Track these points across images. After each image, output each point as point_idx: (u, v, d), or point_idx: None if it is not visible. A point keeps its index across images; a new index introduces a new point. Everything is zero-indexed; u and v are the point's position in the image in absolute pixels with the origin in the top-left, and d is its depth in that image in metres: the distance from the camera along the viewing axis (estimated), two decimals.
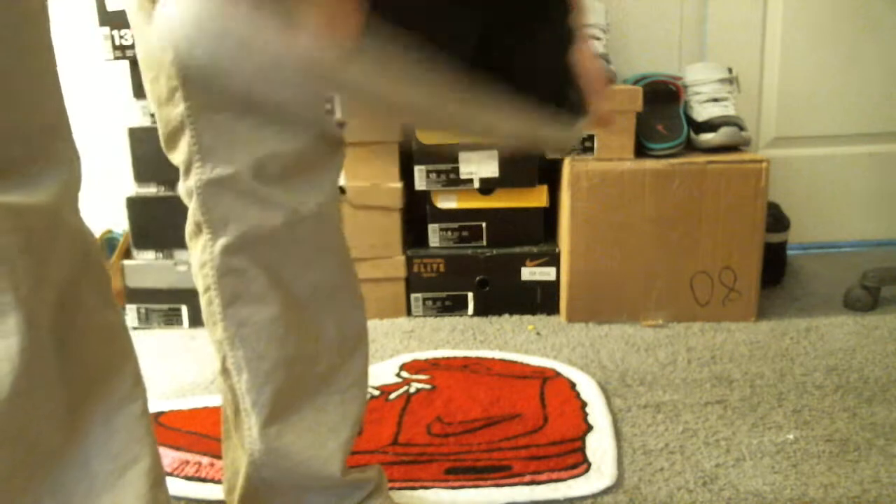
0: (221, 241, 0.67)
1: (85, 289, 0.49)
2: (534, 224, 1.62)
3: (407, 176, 1.61)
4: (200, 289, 0.71)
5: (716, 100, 1.61)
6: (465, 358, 1.39)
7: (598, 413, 1.14)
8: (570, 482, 0.97)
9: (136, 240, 1.63)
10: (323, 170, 0.70)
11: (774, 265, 1.68)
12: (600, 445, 1.05)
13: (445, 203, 1.61)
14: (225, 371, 0.72)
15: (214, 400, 1.24)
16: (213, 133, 0.65)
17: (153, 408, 1.18)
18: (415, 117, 0.30)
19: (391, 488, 0.91)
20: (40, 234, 0.45)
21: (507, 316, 1.61)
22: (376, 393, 1.25)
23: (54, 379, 0.46)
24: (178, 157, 0.68)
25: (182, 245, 1.65)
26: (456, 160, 1.58)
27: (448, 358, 1.39)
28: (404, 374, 1.32)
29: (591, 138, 1.52)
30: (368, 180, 1.58)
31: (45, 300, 0.45)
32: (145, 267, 1.62)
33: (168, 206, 1.59)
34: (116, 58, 1.54)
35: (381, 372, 1.33)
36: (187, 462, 1.06)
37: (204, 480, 1.01)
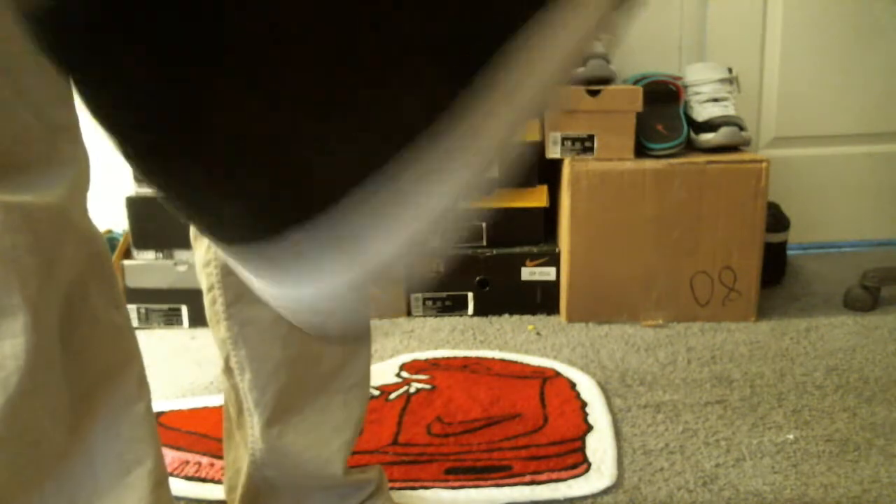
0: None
1: (92, 289, 0.49)
2: (534, 224, 1.62)
3: None
4: (204, 287, 0.71)
5: (716, 100, 1.61)
6: (465, 358, 1.39)
7: (598, 413, 1.14)
8: (570, 482, 0.97)
9: (136, 240, 1.63)
10: None
11: (774, 265, 1.68)
12: (600, 445, 1.05)
13: None
14: (228, 370, 0.72)
15: (214, 400, 1.24)
16: None
17: (153, 408, 1.18)
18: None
19: (391, 488, 0.91)
20: (49, 235, 0.45)
21: (507, 316, 1.61)
22: (376, 393, 1.25)
23: (60, 379, 0.46)
24: None
25: (182, 245, 1.66)
26: None
27: (448, 358, 1.39)
28: (404, 374, 1.32)
29: (591, 138, 1.52)
30: None
31: (52, 301, 0.45)
32: (145, 267, 1.62)
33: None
34: None
35: (381, 372, 1.33)
36: (187, 462, 1.06)
37: (204, 480, 1.01)
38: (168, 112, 0.22)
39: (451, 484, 0.98)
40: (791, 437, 1.07)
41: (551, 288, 1.61)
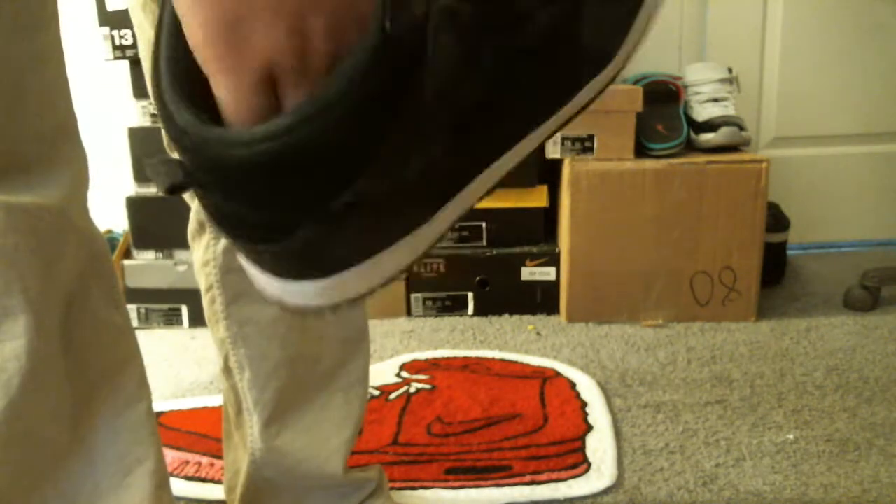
0: (225, 240, 0.67)
1: (92, 290, 0.49)
2: (534, 224, 1.62)
3: None
4: (203, 287, 0.71)
5: (716, 100, 1.61)
6: (465, 358, 1.39)
7: (598, 413, 1.14)
8: (570, 482, 0.97)
9: (136, 240, 1.63)
10: None
11: (774, 265, 1.68)
12: (600, 445, 1.05)
13: None
14: (227, 370, 0.72)
15: (214, 400, 1.24)
16: None
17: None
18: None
19: (391, 488, 0.91)
20: (50, 236, 0.45)
21: (507, 316, 1.61)
22: (376, 393, 1.25)
23: (61, 380, 0.46)
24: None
25: (182, 245, 1.65)
26: None
27: (448, 358, 1.39)
28: (404, 374, 1.32)
29: (590, 138, 1.52)
30: None
31: (53, 301, 0.45)
32: (145, 267, 1.62)
33: (168, 206, 1.59)
34: (116, 58, 1.54)
35: (381, 372, 1.33)
36: (187, 462, 1.06)
37: (204, 480, 1.01)
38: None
39: (451, 484, 0.98)
40: (791, 437, 1.07)
41: (551, 288, 1.61)
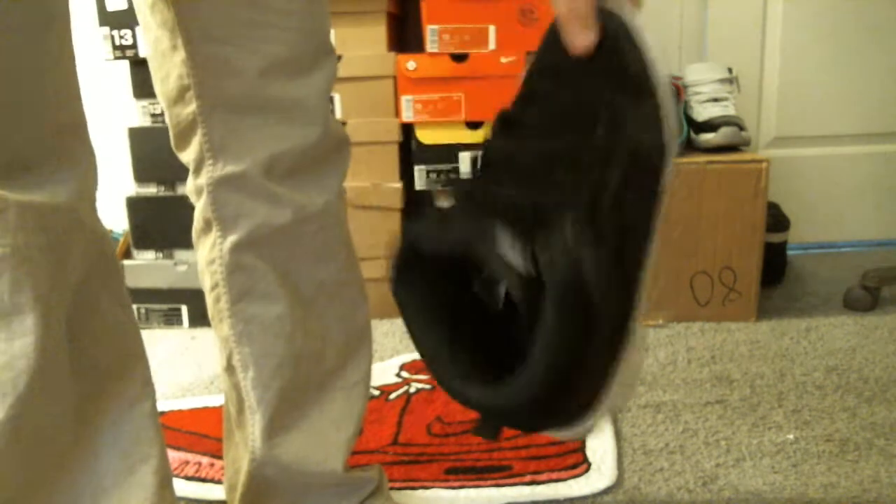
0: (231, 238, 0.67)
1: (99, 289, 0.50)
2: None
3: (407, 176, 1.61)
4: (207, 286, 0.71)
5: (716, 100, 1.61)
6: None
7: None
8: (570, 482, 0.97)
9: (136, 240, 1.63)
10: (329, 168, 0.71)
11: (774, 265, 1.68)
12: (600, 445, 1.05)
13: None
14: (230, 368, 0.72)
15: (214, 400, 1.24)
16: (225, 131, 0.65)
17: None
18: None
19: (391, 488, 0.91)
20: (60, 234, 0.45)
21: None
22: (376, 393, 1.25)
23: (67, 378, 0.46)
24: (188, 155, 0.68)
25: (182, 245, 1.66)
26: (456, 160, 1.58)
27: None
28: (404, 374, 1.32)
29: None
30: (368, 180, 1.58)
31: (61, 299, 0.45)
32: (145, 267, 1.62)
33: (168, 206, 1.59)
34: (116, 58, 1.54)
35: (381, 372, 1.33)
36: (187, 462, 1.06)
37: (204, 480, 1.01)
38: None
39: (451, 484, 0.98)
40: (791, 437, 1.07)
41: None
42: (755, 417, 1.13)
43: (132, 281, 1.62)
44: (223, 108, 0.65)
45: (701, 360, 1.35)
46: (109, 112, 1.79)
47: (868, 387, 1.22)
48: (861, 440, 1.05)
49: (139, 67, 1.56)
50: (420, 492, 0.97)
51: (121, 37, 1.52)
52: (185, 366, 1.43)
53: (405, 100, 1.55)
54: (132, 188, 1.62)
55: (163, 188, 1.60)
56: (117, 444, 0.50)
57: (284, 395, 0.72)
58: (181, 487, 1.00)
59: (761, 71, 1.96)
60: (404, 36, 1.74)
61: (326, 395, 0.75)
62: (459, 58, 1.53)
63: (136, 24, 1.35)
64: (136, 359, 0.54)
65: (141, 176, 1.60)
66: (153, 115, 1.58)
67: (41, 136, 0.46)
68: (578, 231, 0.35)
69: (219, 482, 1.00)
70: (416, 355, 1.40)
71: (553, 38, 0.44)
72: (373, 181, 1.58)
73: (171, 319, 1.64)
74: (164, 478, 0.52)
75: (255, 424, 0.73)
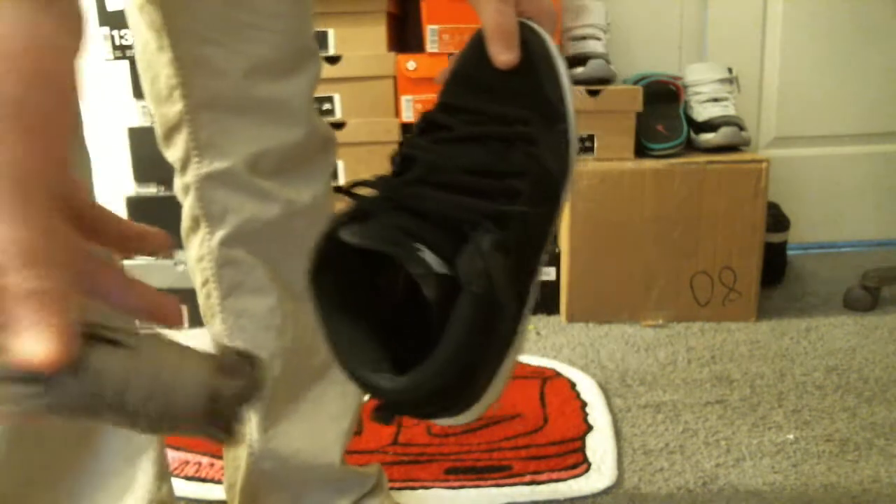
0: (220, 234, 0.68)
1: None
2: None
3: None
4: (198, 283, 0.72)
5: (716, 100, 1.61)
6: None
7: (598, 413, 1.14)
8: (570, 482, 0.97)
9: None
10: (316, 164, 0.72)
11: (774, 265, 1.68)
12: (600, 445, 1.05)
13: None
14: None
15: None
16: (211, 129, 0.66)
17: None
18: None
19: (391, 488, 0.91)
20: None
21: None
22: None
23: None
24: (174, 153, 0.69)
25: (182, 245, 1.65)
26: None
27: None
28: None
29: (591, 138, 1.52)
30: None
31: None
32: (145, 267, 1.62)
33: (168, 206, 1.58)
34: (116, 58, 1.54)
35: None
36: (187, 462, 1.06)
37: (204, 480, 1.01)
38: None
39: (451, 484, 0.98)
40: (791, 437, 1.07)
41: (551, 288, 1.61)
42: (755, 417, 1.13)
43: None
44: (209, 107, 0.65)
45: (701, 360, 1.35)
46: (109, 112, 1.79)
47: (868, 387, 1.22)
48: (861, 440, 1.05)
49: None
50: (420, 492, 0.97)
51: (121, 37, 1.52)
52: None
53: (405, 100, 1.55)
54: (132, 188, 1.62)
55: (162, 188, 1.60)
56: (118, 434, 0.50)
57: (278, 388, 0.73)
58: (181, 487, 1.00)
59: (761, 71, 1.96)
60: (404, 36, 1.74)
61: (320, 388, 0.76)
62: None
63: None
64: None
65: (141, 176, 1.60)
66: (153, 116, 1.58)
67: None
68: (492, 241, 0.38)
69: (219, 482, 1.00)
70: None
71: (476, 47, 0.47)
72: None
73: None
74: (162, 469, 0.52)
75: (251, 418, 0.73)
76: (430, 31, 1.53)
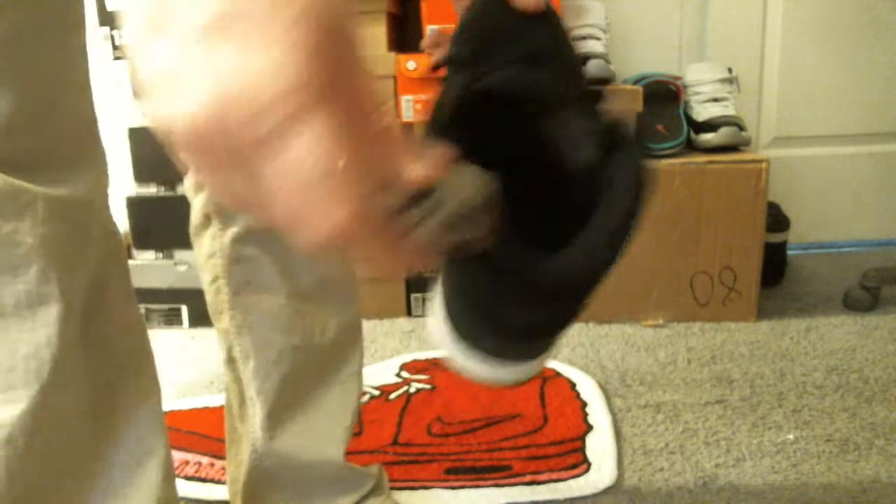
0: (232, 230, 0.69)
1: (111, 283, 0.50)
2: None
3: None
4: (207, 280, 0.72)
5: (716, 100, 1.61)
6: None
7: (598, 413, 1.15)
8: (570, 482, 0.97)
9: (136, 240, 1.63)
10: None
11: (774, 265, 1.68)
12: (600, 445, 1.05)
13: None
14: (231, 360, 0.73)
15: (214, 400, 1.24)
16: None
17: None
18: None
19: (391, 489, 0.92)
20: (80, 226, 0.47)
21: None
22: (376, 393, 1.25)
23: (83, 371, 0.47)
24: None
25: (182, 245, 1.66)
26: None
27: None
28: (404, 374, 1.32)
29: None
30: None
31: (78, 291, 0.46)
32: (145, 267, 1.62)
33: (168, 206, 1.60)
34: (116, 58, 1.54)
35: (381, 372, 1.33)
36: (187, 462, 1.06)
37: (204, 480, 1.01)
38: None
39: (451, 484, 0.98)
40: (791, 437, 1.07)
41: None
42: (755, 417, 1.13)
43: (132, 281, 1.62)
44: None
45: (701, 360, 1.35)
46: (109, 112, 1.79)
47: (868, 387, 1.22)
48: (861, 440, 1.05)
49: None
50: (420, 492, 0.97)
51: (121, 37, 1.52)
52: (185, 366, 1.43)
53: (405, 100, 1.55)
54: (132, 188, 1.62)
55: (163, 188, 1.61)
56: (128, 437, 0.51)
57: (283, 386, 0.73)
58: (181, 487, 0.99)
59: (761, 71, 1.96)
60: (404, 36, 1.74)
61: (323, 388, 0.76)
62: None
63: None
64: (146, 353, 0.55)
65: (141, 176, 1.60)
66: None
67: (67, 134, 0.47)
68: (636, 133, 0.36)
69: (219, 482, 1.00)
70: (416, 355, 1.40)
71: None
72: None
73: (171, 319, 1.64)
74: (169, 472, 0.53)
75: (255, 415, 0.73)
76: (430, 31, 1.53)
